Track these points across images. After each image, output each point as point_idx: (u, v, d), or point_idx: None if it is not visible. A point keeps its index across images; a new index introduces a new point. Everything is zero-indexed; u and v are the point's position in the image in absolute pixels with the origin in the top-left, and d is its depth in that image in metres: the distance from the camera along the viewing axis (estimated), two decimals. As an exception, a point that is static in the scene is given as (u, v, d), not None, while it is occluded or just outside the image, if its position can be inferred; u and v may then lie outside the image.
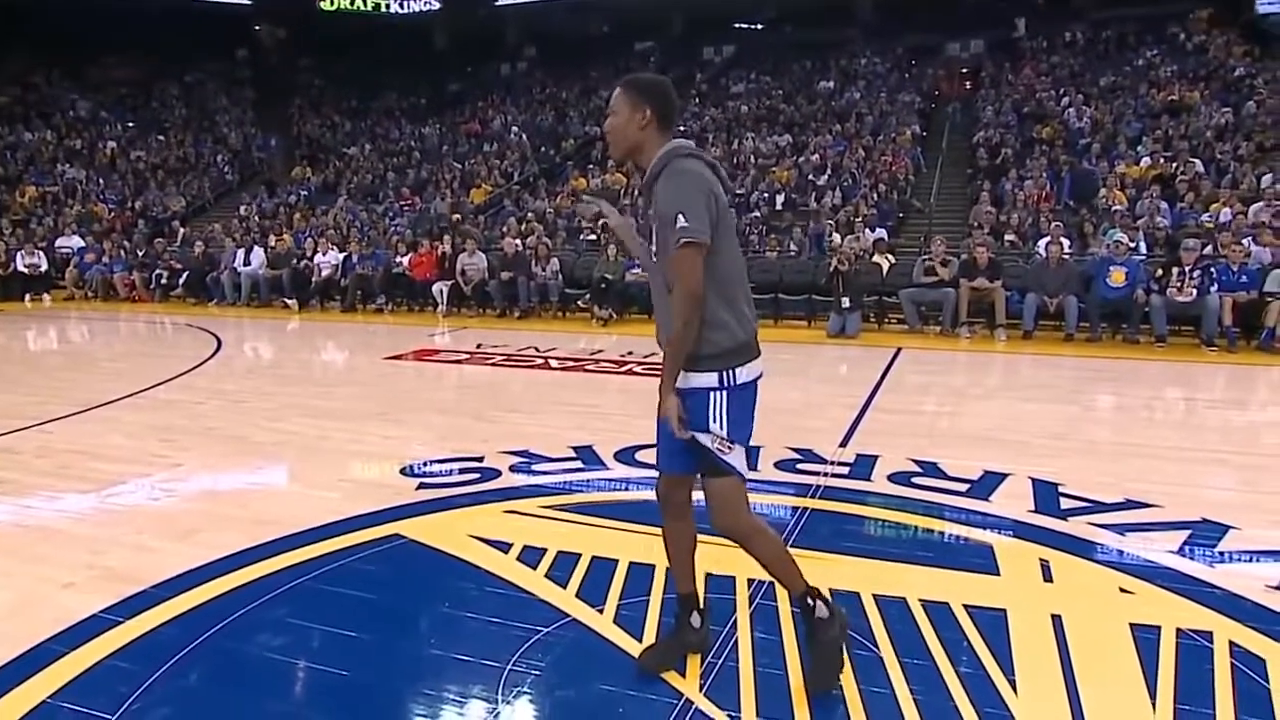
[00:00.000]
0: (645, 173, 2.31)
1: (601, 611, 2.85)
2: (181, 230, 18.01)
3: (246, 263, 13.76)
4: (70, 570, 3.20)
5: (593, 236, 14.57)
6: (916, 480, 4.30)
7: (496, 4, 30.88)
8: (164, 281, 14.34)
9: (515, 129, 23.31)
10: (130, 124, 25.31)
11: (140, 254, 15.35)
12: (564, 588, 3.03)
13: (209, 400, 6.43)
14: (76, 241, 16.37)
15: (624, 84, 2.33)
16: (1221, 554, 3.38)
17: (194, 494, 4.24)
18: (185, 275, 14.30)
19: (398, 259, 13.12)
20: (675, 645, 2.54)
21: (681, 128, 21.30)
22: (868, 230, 13.07)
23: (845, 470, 4.50)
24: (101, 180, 21.75)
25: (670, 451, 2.40)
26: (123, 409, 6.12)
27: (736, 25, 29.71)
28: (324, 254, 13.51)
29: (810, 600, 2.39)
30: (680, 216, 2.15)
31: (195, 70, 29.14)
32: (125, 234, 17.11)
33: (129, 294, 14.49)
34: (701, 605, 2.59)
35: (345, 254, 13.46)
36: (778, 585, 2.53)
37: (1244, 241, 9.86)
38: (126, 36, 27.72)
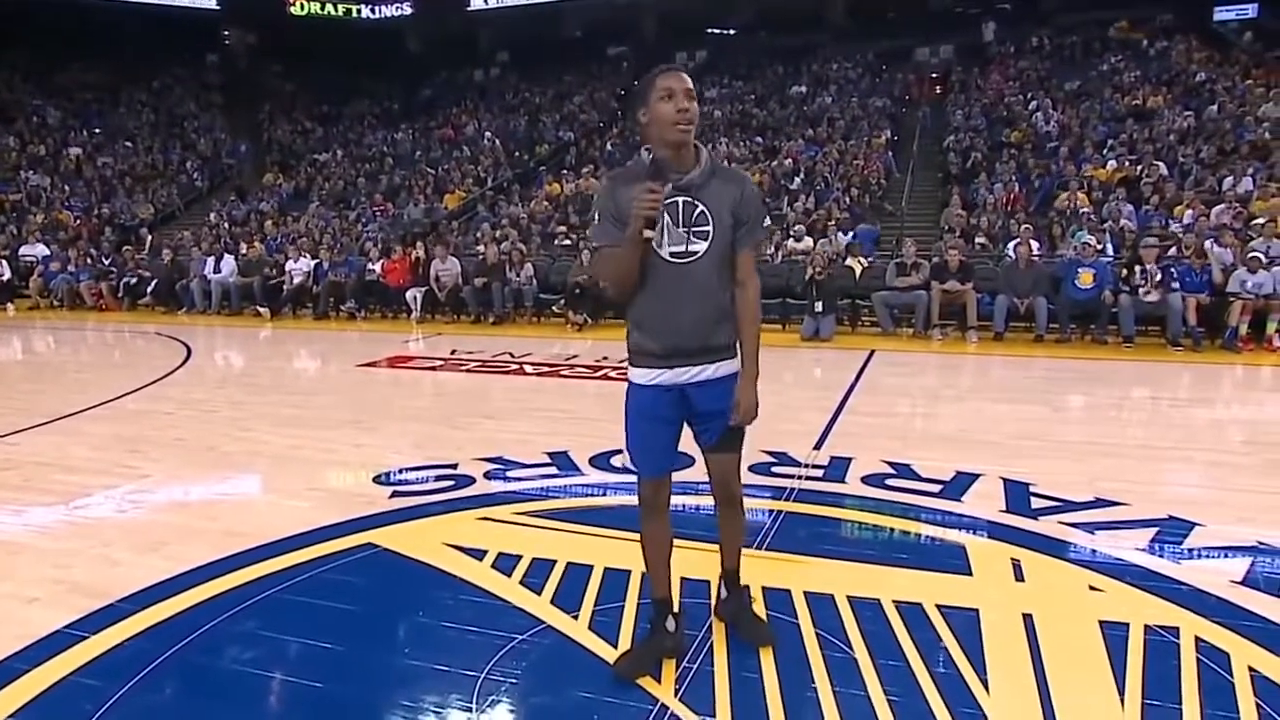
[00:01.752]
0: (676, 168, 2.29)
1: (576, 618, 2.84)
2: (150, 238, 17.77)
3: (217, 270, 13.59)
4: (34, 585, 3.14)
5: (568, 241, 14.56)
6: (890, 482, 4.33)
7: (469, 9, 30.80)
8: (132, 285, 14.12)
9: (489, 134, 23.25)
10: (97, 130, 24.91)
11: (107, 262, 15.10)
12: (539, 594, 3.02)
13: (178, 410, 6.34)
14: (41, 250, 16.08)
15: (684, 71, 2.31)
16: (1188, 551, 3.44)
17: (162, 505, 4.17)
18: (154, 283, 14.10)
19: (370, 265, 13.02)
20: (651, 651, 2.54)
21: (655, 133, 21.41)
22: (840, 234, 13.17)
23: (820, 473, 4.53)
24: (67, 187, 21.38)
25: (669, 450, 2.46)
26: (89, 420, 6.02)
27: (709, 30, 29.88)
28: (295, 261, 13.37)
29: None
30: (766, 218, 2.31)
31: (163, 76, 28.79)
32: (92, 242, 16.83)
33: (96, 303, 14.25)
34: (676, 610, 2.60)
35: (317, 261, 13.33)
36: (728, 558, 2.69)
37: (1206, 243, 10.06)
38: (93, 41, 27.36)
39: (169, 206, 21.71)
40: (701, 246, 2.28)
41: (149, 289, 14.13)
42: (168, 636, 2.72)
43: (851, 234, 13.19)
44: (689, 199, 2.28)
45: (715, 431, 2.45)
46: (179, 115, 27.05)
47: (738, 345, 2.42)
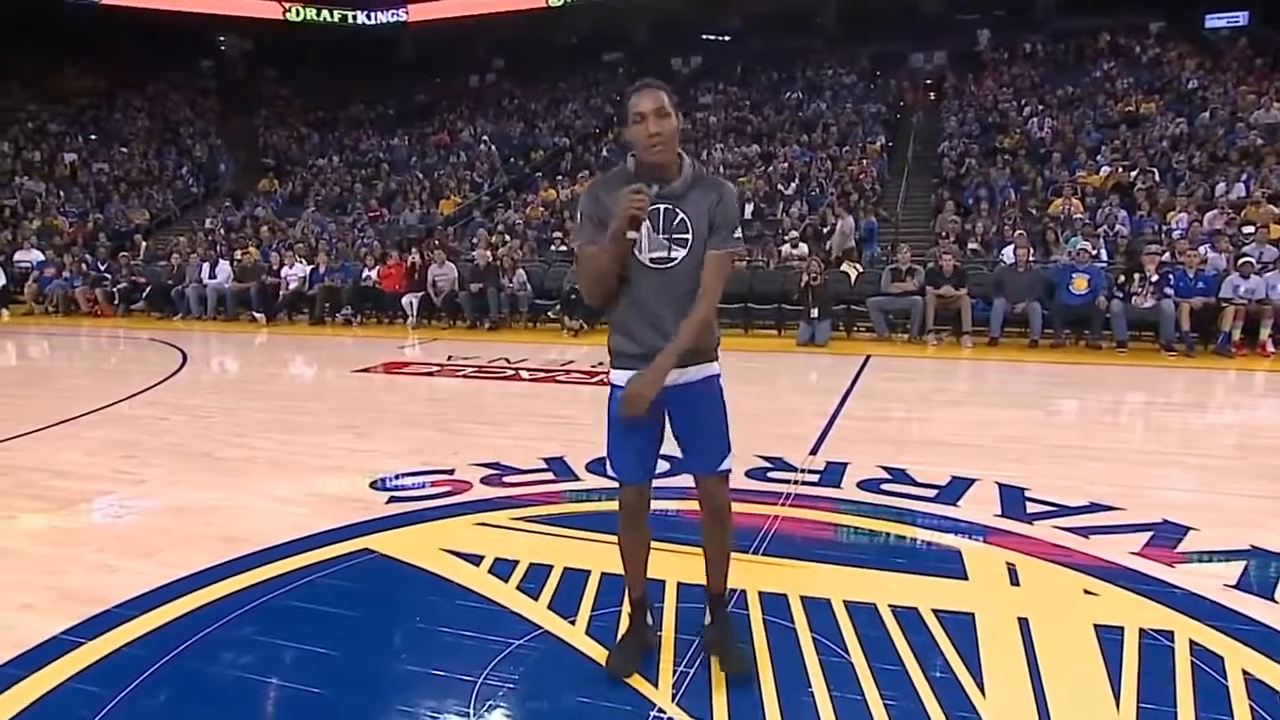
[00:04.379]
0: (658, 177, 2.32)
1: (574, 623, 2.85)
2: (145, 244, 17.74)
3: (212, 276, 13.58)
4: (29, 591, 3.13)
5: (563, 247, 14.57)
6: (886, 487, 4.34)
7: (465, 15, 30.82)
8: (127, 291, 14.10)
9: (484, 140, 23.27)
10: (92, 136, 24.88)
11: (102, 267, 15.07)
12: (536, 600, 3.02)
13: (173, 416, 6.33)
14: (36, 255, 16.05)
15: (663, 86, 2.31)
16: (1181, 555, 3.45)
17: (158, 511, 4.16)
18: (148, 289, 14.08)
19: (366, 271, 13.02)
20: (638, 645, 2.59)
21: (650, 138, 21.45)
22: (848, 215, 13.23)
23: (815, 478, 4.54)
24: (62, 193, 21.34)
25: (648, 456, 2.47)
26: (84, 425, 6.00)
27: (704, 36, 29.95)
28: (291, 267, 13.37)
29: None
30: (739, 230, 2.38)
31: (159, 81, 28.76)
32: (87, 248, 16.80)
33: (91, 308, 14.23)
34: (650, 605, 2.71)
35: (313, 266, 13.33)
36: (713, 579, 2.63)
37: (1200, 248, 10.12)
38: (88, 47, 27.31)
39: (164, 212, 21.68)
40: (681, 253, 2.33)
41: (143, 295, 14.11)
42: (164, 643, 2.71)
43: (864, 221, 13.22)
44: (670, 206, 2.32)
45: (696, 452, 2.46)
46: (174, 121, 27.03)
47: (717, 350, 2.47)
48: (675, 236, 2.33)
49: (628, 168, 2.40)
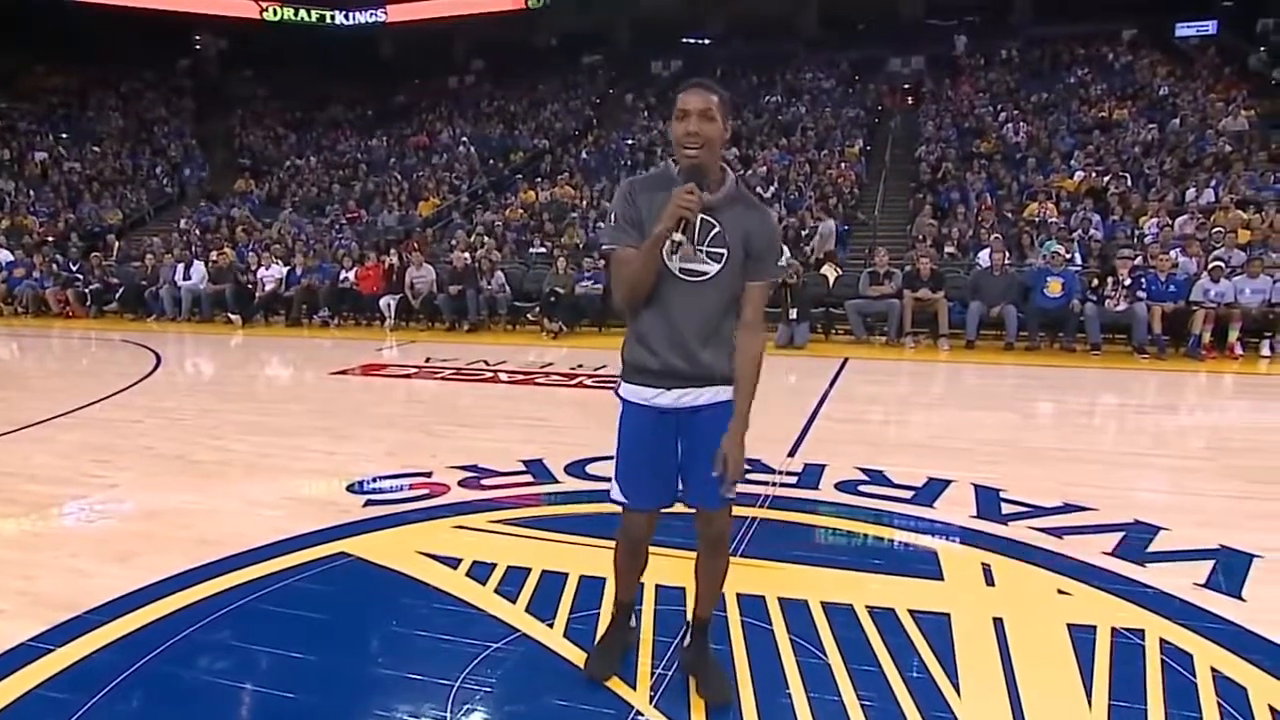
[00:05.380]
0: (698, 185, 2.15)
1: (552, 626, 2.84)
2: (118, 244, 17.50)
3: (187, 277, 13.42)
4: (-1, 597, 3.08)
5: (542, 249, 14.54)
6: (863, 488, 4.37)
7: (444, 16, 30.71)
8: (99, 292, 13.91)
9: (463, 141, 23.19)
10: (64, 134, 24.51)
11: (74, 268, 14.85)
12: (514, 603, 3.01)
13: (147, 418, 6.24)
14: (5, 256, 15.75)
15: (717, 90, 2.17)
16: (1152, 554, 3.51)
17: (131, 515, 4.11)
18: (121, 290, 13.89)
19: (344, 273, 12.93)
20: (617, 645, 2.57)
21: (630, 141, 21.50)
22: (828, 217, 13.31)
23: (794, 479, 4.56)
24: (33, 192, 21.00)
25: (661, 481, 2.34)
26: (55, 428, 5.91)
27: (684, 40, 30.03)
28: (268, 268, 13.25)
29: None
30: (781, 257, 2.24)
31: (133, 80, 28.39)
32: (58, 248, 16.54)
33: (62, 309, 14.02)
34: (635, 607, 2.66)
35: (289, 267, 13.21)
36: (701, 606, 2.53)
37: (1171, 253, 10.28)
38: (61, 44, 26.92)
39: (138, 212, 21.40)
40: (713, 268, 2.20)
41: (116, 296, 13.93)
42: (137, 648, 2.68)
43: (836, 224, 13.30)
44: (707, 218, 2.19)
45: (700, 484, 2.30)
46: (149, 120, 26.68)
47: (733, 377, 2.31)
48: (710, 250, 2.20)
49: (669, 170, 2.27)
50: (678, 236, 2.11)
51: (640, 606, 2.92)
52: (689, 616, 2.58)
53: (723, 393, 2.29)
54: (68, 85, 27.02)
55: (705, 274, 2.21)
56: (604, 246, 2.32)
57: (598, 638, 2.65)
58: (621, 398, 2.36)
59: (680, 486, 2.36)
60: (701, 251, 2.21)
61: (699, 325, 2.23)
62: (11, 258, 15.58)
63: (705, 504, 2.34)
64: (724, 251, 2.21)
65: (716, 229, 2.21)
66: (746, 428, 2.26)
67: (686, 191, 2.09)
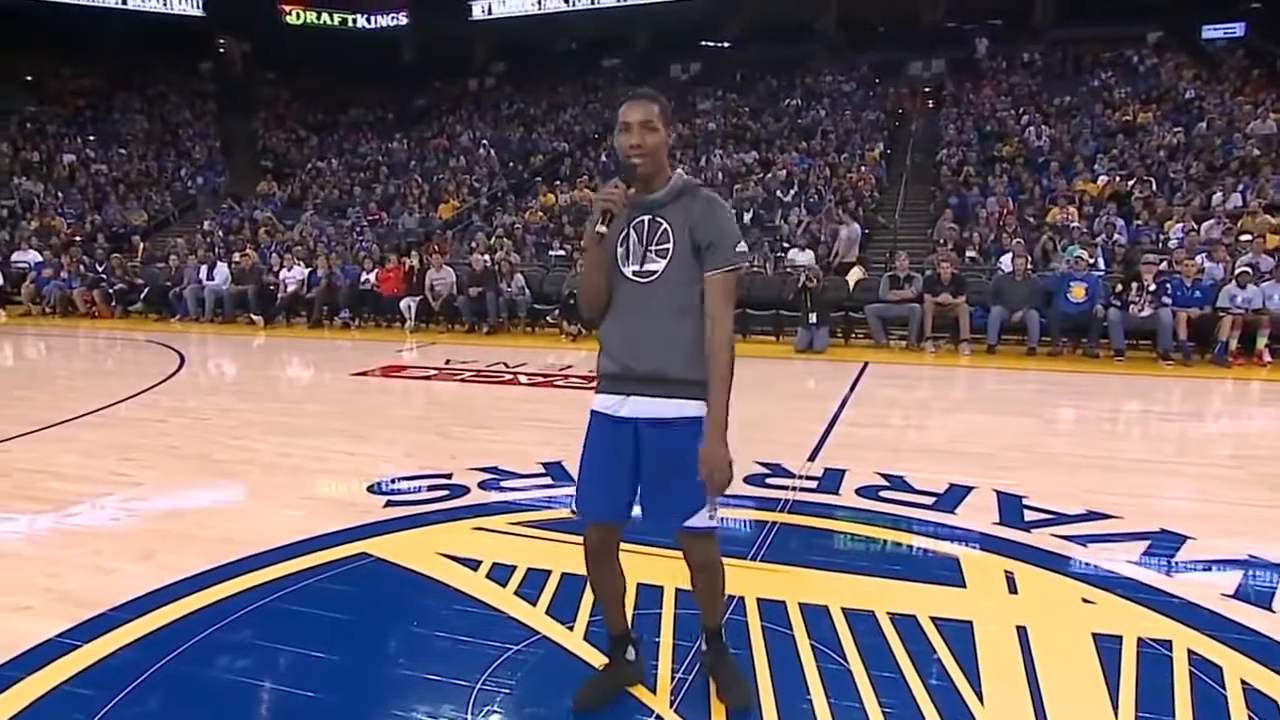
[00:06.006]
0: (642, 188, 2.21)
1: (572, 629, 2.84)
2: (143, 245, 17.72)
3: (210, 278, 13.56)
4: (26, 593, 3.12)
5: (561, 252, 14.58)
6: (884, 494, 4.34)
7: (469, 19, 30.93)
8: (124, 293, 14.09)
9: (483, 144, 23.29)
10: (91, 137, 24.86)
11: (100, 269, 15.05)
12: (534, 605, 3.02)
13: (170, 418, 6.31)
14: (34, 256, 16.01)
15: (656, 99, 2.22)
16: (1179, 564, 3.46)
17: (155, 514, 4.15)
18: (145, 291, 14.06)
19: (364, 275, 13.01)
20: (612, 680, 2.48)
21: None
22: (853, 222, 13.24)
23: (814, 484, 4.54)
24: (60, 194, 21.31)
25: (616, 494, 2.28)
26: (81, 427, 5.99)
27: (703, 43, 30.04)
28: (289, 269, 13.36)
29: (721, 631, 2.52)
30: (740, 243, 2.21)
31: (158, 83, 28.77)
32: (84, 249, 16.78)
33: (88, 309, 14.20)
34: (633, 637, 2.53)
35: (311, 269, 13.32)
36: (706, 616, 2.49)
37: (1197, 258, 10.15)
38: (88, 48, 27.34)
39: (162, 213, 21.66)
40: (660, 265, 2.19)
41: (141, 296, 14.09)
42: (160, 646, 2.70)
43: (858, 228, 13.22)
44: (652, 216, 2.22)
45: (664, 504, 2.24)
46: (173, 122, 27.03)
47: (704, 388, 2.19)
48: (657, 248, 2.20)
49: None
50: (601, 229, 2.14)
51: (659, 610, 2.92)
52: (701, 622, 2.55)
53: (688, 407, 2.19)
54: (94, 88, 27.43)
55: (654, 272, 2.20)
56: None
57: (597, 674, 2.53)
58: (591, 409, 2.34)
59: (641, 513, 2.28)
60: (644, 249, 2.21)
61: (650, 325, 2.19)
62: (40, 258, 15.82)
63: (675, 525, 2.25)
64: (669, 247, 2.19)
65: (663, 227, 2.20)
66: (725, 426, 2.15)
67: (610, 186, 2.15)
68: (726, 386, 2.17)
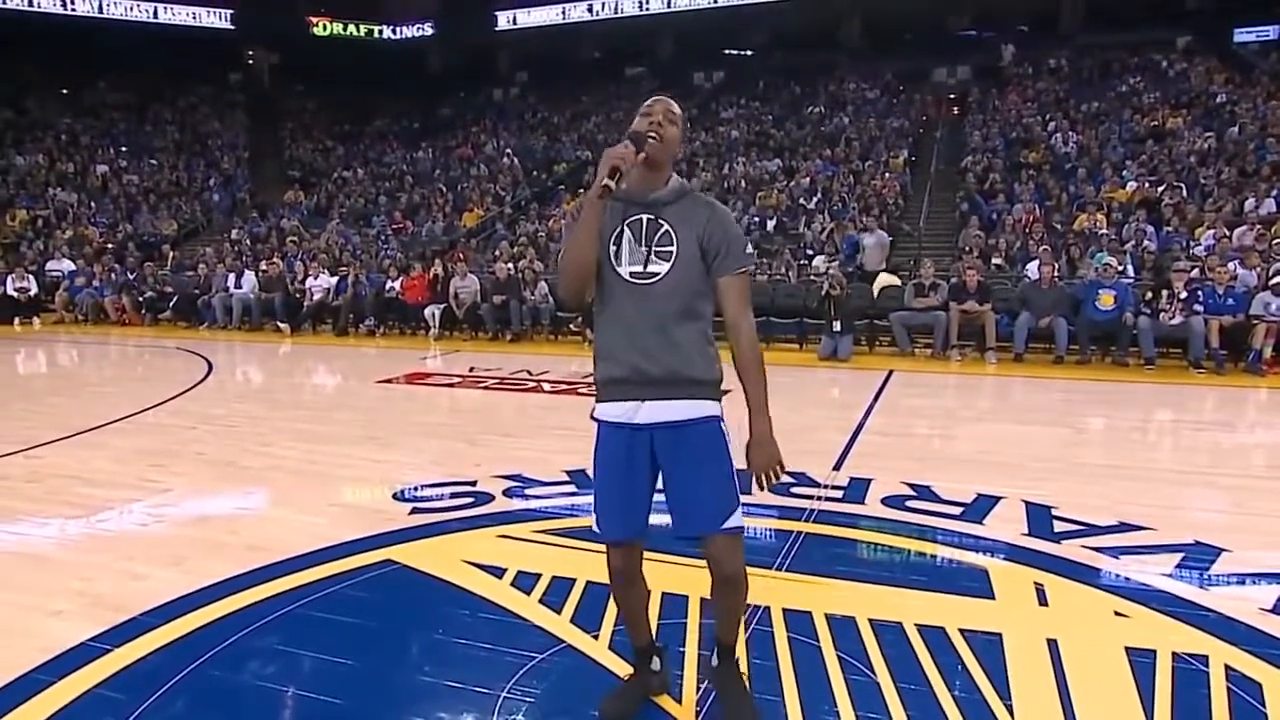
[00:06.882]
0: (644, 184, 2.18)
1: (596, 637, 2.83)
2: (172, 254, 18.00)
3: (238, 286, 13.74)
4: (59, 597, 3.16)
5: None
6: (910, 503, 4.30)
7: (495, 29, 31.21)
8: (154, 301, 14.32)
9: (507, 153, 23.45)
10: (123, 148, 25.34)
11: (131, 277, 15.30)
12: (559, 613, 3.01)
13: (199, 425, 6.39)
14: (67, 265, 16.33)
15: (672, 101, 2.22)
16: (1214, 577, 3.39)
17: (184, 520, 4.20)
18: (175, 299, 14.27)
19: (389, 283, 13.13)
20: (637, 690, 2.45)
21: (673, 152, 21.54)
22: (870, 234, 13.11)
23: (839, 494, 4.50)
24: (93, 204, 21.72)
25: (637, 509, 2.22)
26: (112, 434, 6.08)
27: (726, 51, 30.08)
28: (315, 277, 13.50)
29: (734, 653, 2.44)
30: (748, 243, 2.18)
31: (188, 94, 29.28)
32: (116, 257, 17.08)
33: (119, 317, 14.44)
34: (658, 647, 2.50)
35: (337, 277, 13.45)
36: (722, 631, 2.40)
37: (1229, 265, 9.98)
38: (120, 61, 27.89)
39: (192, 222, 22.00)
40: (663, 267, 2.12)
41: (170, 304, 14.31)
42: (190, 651, 2.73)
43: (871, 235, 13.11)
44: (652, 216, 2.15)
45: (688, 509, 2.17)
46: (203, 133, 27.48)
47: (719, 386, 2.21)
48: (658, 249, 2.13)
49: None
50: (609, 182, 2.04)
51: (684, 620, 2.91)
52: (716, 635, 2.46)
53: (706, 407, 2.17)
54: (127, 100, 27.95)
55: (657, 274, 2.13)
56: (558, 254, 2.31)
57: (622, 683, 2.51)
58: (595, 419, 2.25)
59: (671, 521, 2.21)
60: (646, 250, 2.14)
61: (654, 326, 2.12)
62: (74, 267, 16.12)
63: (702, 529, 2.18)
64: (672, 249, 2.13)
65: (664, 228, 2.14)
66: (769, 421, 2.17)
67: (622, 146, 2.08)
68: (764, 381, 2.16)
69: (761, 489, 2.19)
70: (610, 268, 2.15)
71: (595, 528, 2.28)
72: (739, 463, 2.19)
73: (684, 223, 2.15)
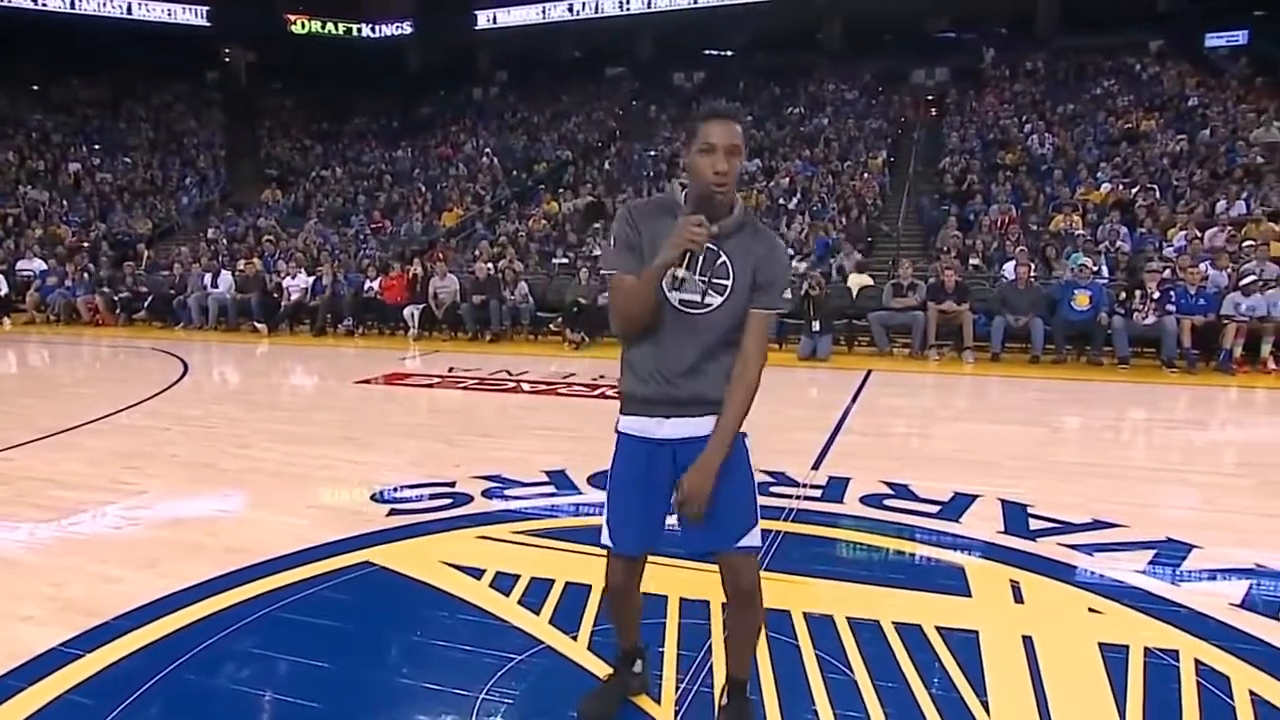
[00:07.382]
0: (710, 214, 2.04)
1: (575, 638, 2.83)
2: (147, 253, 17.76)
3: (214, 286, 13.59)
4: (29, 602, 3.11)
5: (565, 260, 14.59)
6: (888, 502, 4.33)
7: (474, 28, 31.08)
8: (129, 301, 14.13)
9: (487, 152, 23.36)
10: (96, 145, 24.98)
11: (104, 276, 15.09)
12: (537, 614, 3.01)
13: (175, 426, 6.32)
14: (38, 264, 16.07)
15: (739, 118, 2.05)
16: (1186, 573, 3.44)
17: (158, 522, 4.15)
18: (149, 299, 14.09)
19: (368, 282, 13.04)
20: (617, 690, 2.45)
21: (653, 153, 21.56)
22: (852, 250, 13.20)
23: (818, 493, 4.53)
24: (65, 202, 21.40)
25: (651, 523, 2.20)
26: (85, 435, 5.99)
27: (706, 52, 30.12)
28: (293, 277, 13.38)
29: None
30: (788, 289, 2.15)
31: (163, 92, 28.92)
32: (89, 257, 16.83)
33: (92, 317, 14.23)
34: (640, 648, 2.49)
35: (315, 277, 13.34)
36: (734, 662, 2.32)
37: (1201, 265, 10.13)
38: (93, 57, 27.50)
39: (167, 222, 21.73)
40: (716, 300, 2.07)
41: (145, 304, 14.13)
42: (164, 655, 2.70)
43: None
44: (712, 247, 2.05)
45: (707, 524, 2.11)
46: (179, 131, 27.14)
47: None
48: (715, 281, 2.07)
49: (674, 196, 2.13)
50: (681, 272, 2.02)
51: (663, 620, 2.91)
52: (725, 674, 2.35)
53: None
54: (100, 97, 27.55)
55: (710, 306, 2.08)
56: (602, 271, 2.29)
57: (602, 680, 2.51)
58: (619, 432, 2.22)
59: (686, 535, 2.17)
60: (704, 282, 2.07)
61: (692, 359, 2.09)
62: (45, 266, 15.87)
63: (719, 546, 2.15)
64: (728, 283, 2.07)
65: (722, 259, 2.07)
66: (722, 455, 2.08)
67: (695, 223, 1.95)
68: (744, 416, 2.12)
69: (679, 514, 2.11)
70: (661, 293, 2.07)
71: (607, 540, 2.23)
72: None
73: (741, 255, 2.09)
